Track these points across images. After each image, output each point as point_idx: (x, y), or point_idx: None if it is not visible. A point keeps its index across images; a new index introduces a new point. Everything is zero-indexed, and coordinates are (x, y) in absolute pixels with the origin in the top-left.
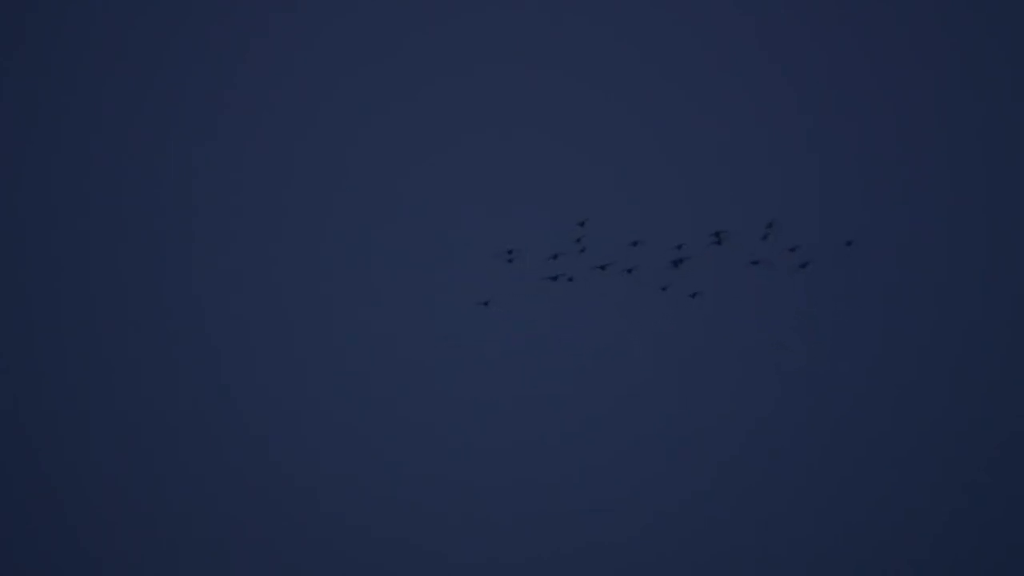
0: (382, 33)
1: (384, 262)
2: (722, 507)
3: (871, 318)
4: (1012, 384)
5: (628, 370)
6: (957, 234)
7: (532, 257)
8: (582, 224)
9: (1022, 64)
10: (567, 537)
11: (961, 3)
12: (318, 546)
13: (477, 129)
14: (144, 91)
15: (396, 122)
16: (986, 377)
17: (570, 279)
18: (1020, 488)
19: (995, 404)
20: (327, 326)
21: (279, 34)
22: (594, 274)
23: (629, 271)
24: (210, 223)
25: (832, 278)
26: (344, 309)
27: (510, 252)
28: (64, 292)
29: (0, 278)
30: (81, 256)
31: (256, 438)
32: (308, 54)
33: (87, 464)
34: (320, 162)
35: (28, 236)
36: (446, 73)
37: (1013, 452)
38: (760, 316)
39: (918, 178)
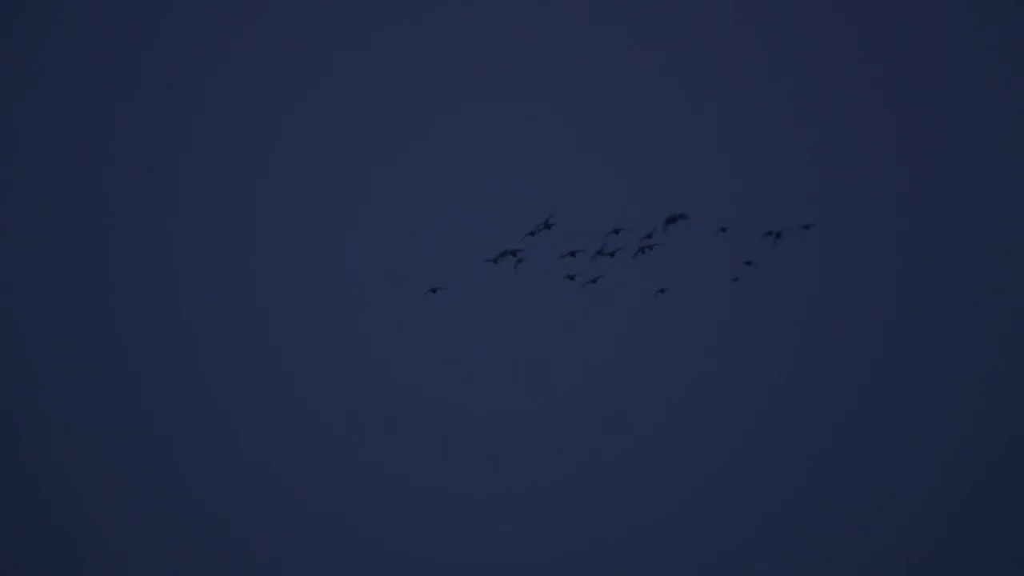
0: (359, 28)
1: (372, 264)
2: (711, 510)
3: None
4: (993, 367)
5: (614, 369)
6: (933, 224)
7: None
8: (548, 226)
9: (986, 52)
10: (557, 539)
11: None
12: (305, 547)
13: (455, 125)
14: (129, 90)
15: (375, 119)
16: (971, 365)
17: (520, 261)
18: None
19: (985, 394)
20: (314, 331)
21: (258, 36)
22: (571, 268)
23: (611, 254)
24: (194, 226)
25: (803, 267)
26: (328, 311)
27: (514, 254)
28: (55, 296)
29: None
30: (69, 261)
31: (242, 440)
32: (286, 54)
33: (76, 465)
34: (299, 163)
35: (17, 239)
36: (424, 68)
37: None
38: (736, 310)
39: (885, 167)
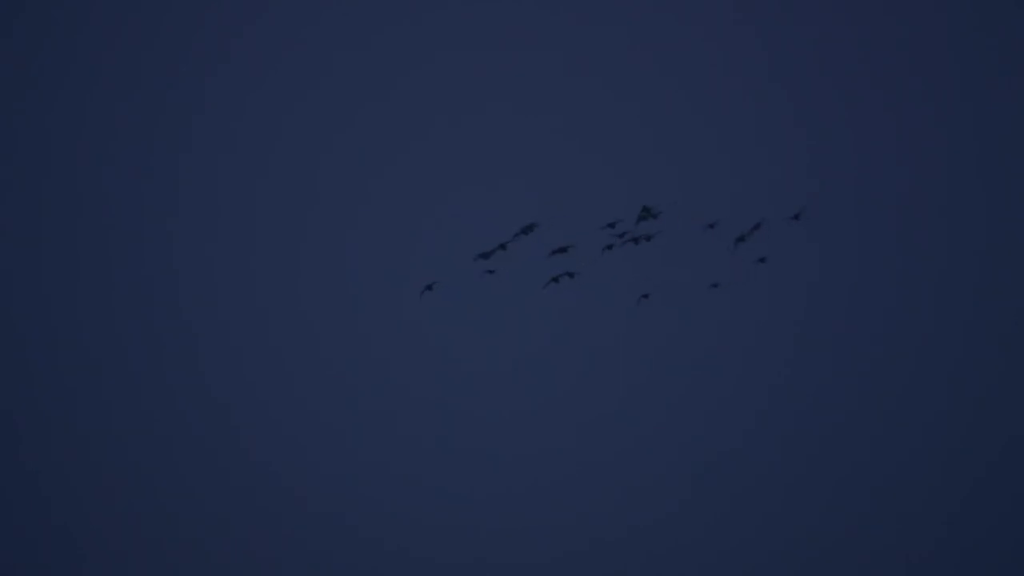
0: (359, 28)
1: (373, 264)
2: (711, 510)
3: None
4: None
5: (613, 368)
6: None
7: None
8: (532, 228)
9: (986, 52)
10: (557, 539)
11: None
12: (304, 547)
13: (445, 125)
14: (129, 90)
15: (375, 119)
16: (966, 364)
17: (487, 266)
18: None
19: (985, 393)
20: (314, 331)
21: (258, 36)
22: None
23: (609, 248)
24: (194, 226)
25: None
26: (328, 311)
27: (504, 247)
28: (55, 296)
29: None
30: (69, 261)
31: (242, 439)
32: (286, 54)
33: (76, 465)
34: (299, 163)
35: (17, 239)
36: (424, 69)
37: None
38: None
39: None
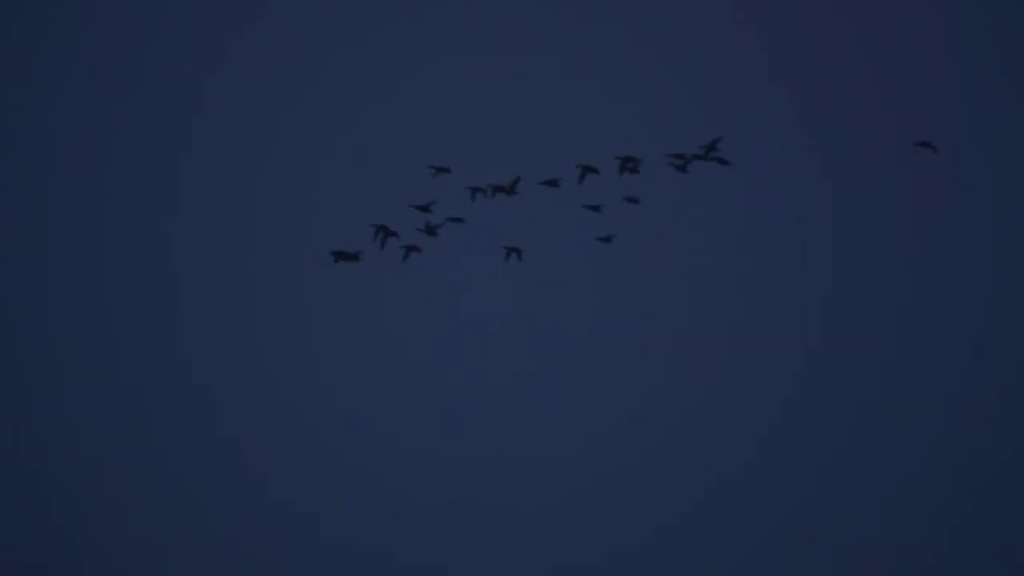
0: (359, 28)
1: (374, 264)
2: (722, 516)
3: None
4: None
5: (623, 370)
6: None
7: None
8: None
9: (986, 52)
10: (563, 548)
11: None
12: (303, 549)
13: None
14: (129, 90)
15: (376, 119)
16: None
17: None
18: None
19: (999, 398)
20: (316, 333)
21: (258, 36)
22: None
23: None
24: (194, 226)
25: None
26: (330, 312)
27: (517, 251)
28: (54, 296)
29: None
30: (68, 261)
31: (243, 445)
32: (286, 54)
33: (75, 468)
34: (299, 163)
35: (17, 239)
36: (425, 69)
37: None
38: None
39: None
